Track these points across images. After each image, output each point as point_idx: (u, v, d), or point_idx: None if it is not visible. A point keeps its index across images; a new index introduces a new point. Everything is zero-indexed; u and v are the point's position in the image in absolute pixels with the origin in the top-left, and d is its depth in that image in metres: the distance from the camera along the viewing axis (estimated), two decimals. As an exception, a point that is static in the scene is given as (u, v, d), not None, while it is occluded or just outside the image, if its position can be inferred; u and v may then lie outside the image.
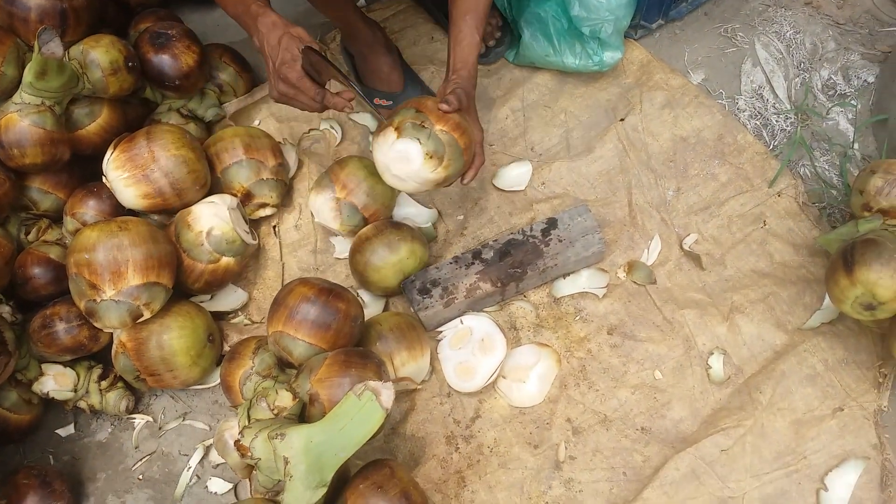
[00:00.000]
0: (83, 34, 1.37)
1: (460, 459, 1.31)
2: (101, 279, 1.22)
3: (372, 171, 1.47)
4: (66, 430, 1.40)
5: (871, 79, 1.55)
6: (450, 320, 1.42)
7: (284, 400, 1.08)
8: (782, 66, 1.61)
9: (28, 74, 1.26)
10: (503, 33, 1.74)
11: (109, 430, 1.40)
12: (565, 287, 1.43)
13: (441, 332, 1.41)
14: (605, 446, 1.29)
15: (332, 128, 1.71)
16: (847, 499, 1.20)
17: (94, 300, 1.24)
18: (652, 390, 1.34)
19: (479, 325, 1.40)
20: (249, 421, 1.06)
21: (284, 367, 1.21)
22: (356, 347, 1.22)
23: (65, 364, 1.35)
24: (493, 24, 1.74)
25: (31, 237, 1.42)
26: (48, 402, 1.37)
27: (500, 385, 1.36)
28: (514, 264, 1.40)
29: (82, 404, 1.36)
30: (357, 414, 0.96)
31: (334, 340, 1.19)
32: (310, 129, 1.71)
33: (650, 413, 1.32)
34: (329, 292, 1.21)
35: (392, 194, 1.51)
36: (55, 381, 1.34)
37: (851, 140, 1.51)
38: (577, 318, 1.43)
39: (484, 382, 1.33)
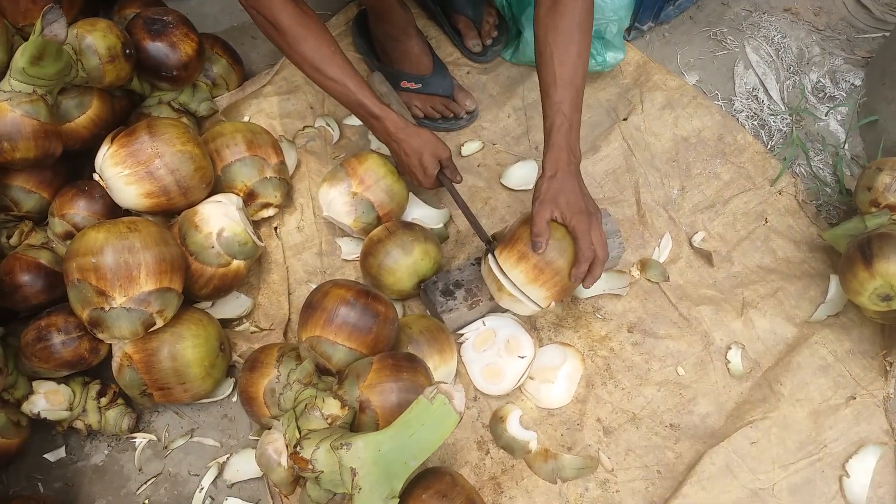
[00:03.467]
0: (74, 18, 1.25)
1: (493, 465, 1.28)
2: (111, 285, 1.11)
3: (391, 170, 1.42)
4: (56, 454, 1.26)
5: (857, 82, 1.63)
6: (471, 322, 1.38)
7: (332, 408, 1.02)
8: (773, 69, 1.67)
9: (21, 59, 1.13)
10: (500, 31, 1.72)
11: (106, 451, 1.28)
12: (586, 290, 1.43)
13: (462, 334, 1.37)
14: (637, 445, 1.29)
15: (329, 125, 1.64)
16: (868, 484, 1.25)
17: (102, 308, 1.12)
18: (676, 387, 1.35)
19: (502, 326, 1.37)
20: (300, 432, 0.98)
21: (321, 374, 1.14)
22: (395, 351, 1.16)
23: (58, 380, 1.22)
24: (490, 21, 1.72)
25: (13, 241, 1.27)
26: (36, 424, 1.24)
27: (527, 387, 1.34)
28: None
29: (78, 424, 1.23)
30: (429, 419, 0.91)
31: (374, 344, 1.13)
32: (304, 127, 1.64)
33: (677, 409, 1.33)
34: (367, 294, 1.15)
35: (407, 196, 1.46)
36: (47, 400, 1.21)
37: (842, 140, 1.58)
38: (597, 316, 1.42)
39: (514, 384, 1.31)
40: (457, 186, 1.40)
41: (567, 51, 1.20)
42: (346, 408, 1.02)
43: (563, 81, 1.20)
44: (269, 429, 1.10)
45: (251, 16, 1.22)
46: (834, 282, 1.42)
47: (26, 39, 1.18)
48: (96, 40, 1.22)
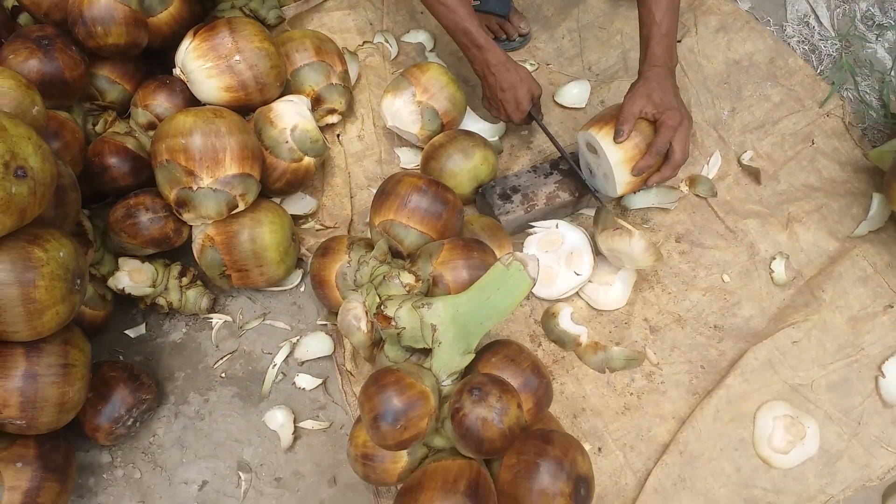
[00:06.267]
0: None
1: (545, 355, 1.35)
2: (199, 166, 1.18)
3: (452, 79, 1.47)
4: (137, 331, 1.35)
5: (906, 11, 1.67)
6: (526, 225, 1.44)
7: (408, 280, 1.09)
8: (825, -3, 1.70)
9: (115, -52, 1.19)
10: (556, -46, 1.76)
11: (184, 330, 1.37)
12: (636, 201, 1.48)
13: (533, 227, 1.42)
14: (682, 343, 1.36)
15: (387, 41, 1.69)
16: (902, 384, 1.32)
17: (190, 188, 1.20)
18: (721, 292, 1.41)
19: (572, 237, 1.40)
20: (380, 298, 1.06)
21: (393, 256, 1.21)
22: (464, 236, 1.23)
23: (141, 260, 1.30)
24: (546, -56, 1.75)
25: (98, 128, 1.35)
26: (119, 301, 1.32)
27: (585, 290, 1.39)
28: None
29: (161, 301, 1.31)
30: (504, 283, 0.98)
31: (443, 230, 1.20)
32: (364, 42, 1.69)
33: (721, 312, 1.39)
34: (437, 184, 1.21)
35: (465, 105, 1.52)
36: (130, 278, 1.29)
37: (889, 67, 1.61)
38: (646, 226, 1.48)
39: (559, 295, 1.36)
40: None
41: None
42: (421, 281, 1.09)
43: None
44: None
45: None
46: (876, 199, 1.46)
47: (117, -67, 1.24)
48: (181, -62, 1.28)
